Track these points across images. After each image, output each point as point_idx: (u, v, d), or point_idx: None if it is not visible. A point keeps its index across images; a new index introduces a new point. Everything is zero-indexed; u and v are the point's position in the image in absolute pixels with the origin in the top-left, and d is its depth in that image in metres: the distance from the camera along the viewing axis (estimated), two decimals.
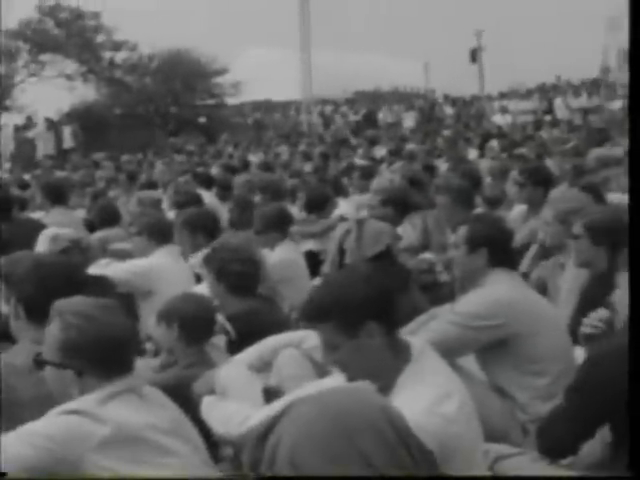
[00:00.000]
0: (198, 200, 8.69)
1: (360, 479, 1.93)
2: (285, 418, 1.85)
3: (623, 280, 3.50)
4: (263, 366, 4.11)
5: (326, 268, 6.00)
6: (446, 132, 23.80)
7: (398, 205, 7.40)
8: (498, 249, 4.34)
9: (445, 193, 7.18)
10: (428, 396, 3.00)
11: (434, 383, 3.08)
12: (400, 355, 3.16)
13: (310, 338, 3.95)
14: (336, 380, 3.37)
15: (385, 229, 5.21)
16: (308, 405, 1.86)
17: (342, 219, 7.78)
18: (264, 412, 3.25)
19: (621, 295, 3.55)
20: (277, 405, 3.22)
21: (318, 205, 8.54)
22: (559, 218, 5.21)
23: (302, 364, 4.05)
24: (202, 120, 34.21)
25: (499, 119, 28.00)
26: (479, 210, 7.76)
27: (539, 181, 7.38)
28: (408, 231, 7.00)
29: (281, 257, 6.41)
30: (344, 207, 8.97)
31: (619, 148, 12.98)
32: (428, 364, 3.16)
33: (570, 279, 5.25)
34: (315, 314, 3.15)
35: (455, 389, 3.15)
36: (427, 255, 6.39)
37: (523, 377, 4.19)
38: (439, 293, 5.60)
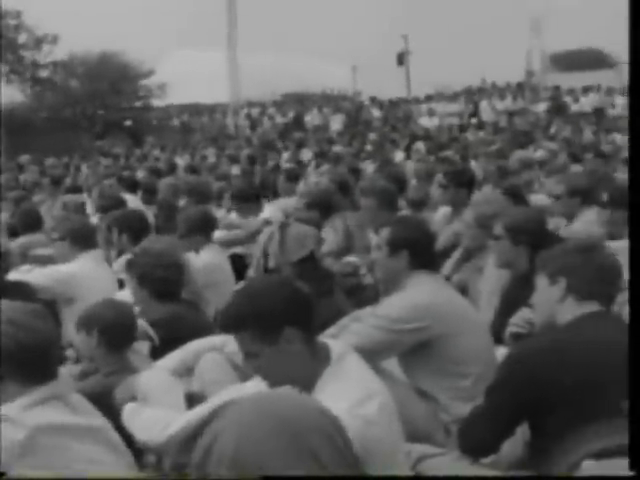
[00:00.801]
0: (122, 204, 8.63)
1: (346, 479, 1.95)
2: (220, 420, 1.82)
3: (541, 282, 3.55)
4: (185, 371, 4.08)
5: (251, 272, 5.99)
6: (373, 135, 23.92)
7: (323, 208, 7.41)
8: (420, 251, 4.34)
9: (369, 195, 7.20)
10: (348, 398, 3.00)
11: (354, 385, 3.09)
12: (319, 359, 3.15)
13: (232, 342, 3.94)
14: (258, 384, 3.36)
15: (309, 233, 5.20)
16: (247, 407, 1.84)
17: (267, 223, 7.76)
18: (186, 418, 3.23)
19: (537, 297, 3.60)
20: (201, 410, 3.20)
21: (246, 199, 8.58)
22: (479, 221, 5.26)
23: (224, 368, 4.03)
24: (128, 123, 33.90)
25: (426, 121, 28.25)
26: (404, 212, 7.81)
27: (462, 183, 7.46)
28: (330, 234, 7.01)
29: (206, 261, 6.37)
30: (270, 210, 8.94)
31: (541, 151, 13.22)
32: (348, 367, 3.17)
33: (491, 281, 5.32)
34: (232, 324, 3.14)
35: (376, 391, 3.16)
36: (351, 258, 6.40)
37: (445, 378, 4.21)
38: (363, 296, 5.61)
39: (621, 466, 2.63)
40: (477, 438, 3.44)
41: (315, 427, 1.76)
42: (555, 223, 7.05)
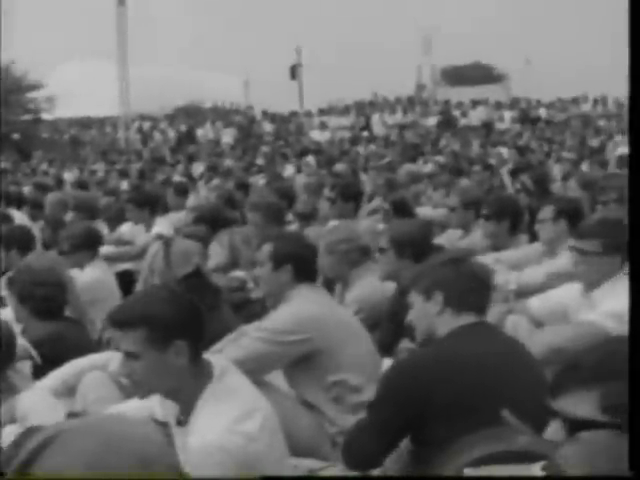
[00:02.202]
0: (8, 219, 8.44)
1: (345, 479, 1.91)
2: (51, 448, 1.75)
3: (416, 299, 3.60)
4: (67, 391, 4.01)
5: (139, 288, 5.93)
6: (265, 148, 23.96)
7: (210, 223, 7.39)
8: (303, 265, 4.38)
9: (256, 210, 7.21)
10: (229, 415, 3.00)
11: (235, 401, 3.08)
12: (202, 375, 3.14)
13: (116, 360, 3.88)
14: (140, 403, 3.32)
15: (193, 248, 5.19)
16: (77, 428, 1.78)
17: (159, 237, 7.69)
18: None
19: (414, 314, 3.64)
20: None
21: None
22: (328, 249, 5.30)
23: (107, 387, 3.98)
24: (16, 136, 33.16)
25: (317, 135, 28.40)
26: (293, 226, 7.83)
27: (349, 197, 7.53)
28: (216, 249, 6.99)
29: (91, 277, 6.27)
30: (160, 225, 8.85)
31: (429, 164, 13.45)
32: (229, 383, 3.16)
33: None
34: (124, 319, 3.10)
35: (258, 406, 3.15)
36: (238, 273, 6.40)
37: (330, 390, 4.23)
38: (251, 310, 5.61)
39: (502, 472, 2.68)
40: (361, 452, 3.44)
41: (137, 459, 1.71)
42: (450, 235, 7.18)
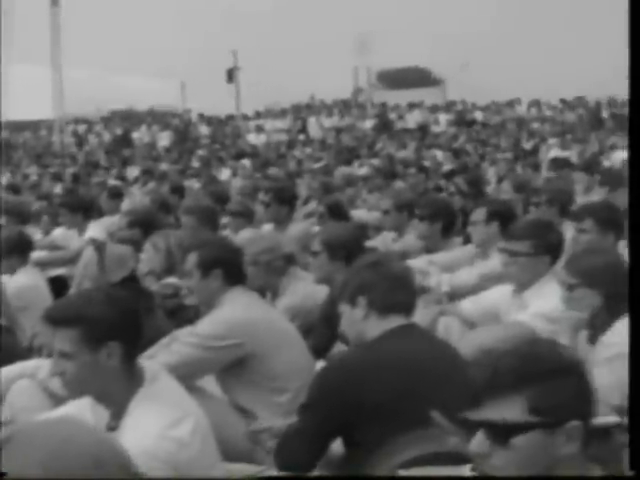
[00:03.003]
0: None
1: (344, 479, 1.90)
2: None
3: (343, 308, 3.61)
4: None
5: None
6: (201, 151, 23.85)
7: (144, 227, 7.33)
8: (231, 269, 4.39)
9: (190, 214, 7.18)
10: (160, 420, 2.98)
11: (166, 407, 3.06)
12: (134, 379, 3.12)
13: (45, 368, 3.83)
14: (71, 410, 3.28)
15: (127, 253, 5.15)
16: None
17: (92, 242, 7.60)
18: None
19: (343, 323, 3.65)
20: None
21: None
22: (251, 261, 5.30)
23: (36, 395, 3.93)
24: None
25: (254, 138, 28.36)
26: (228, 230, 7.80)
27: (284, 200, 7.53)
28: (150, 253, 6.94)
29: (22, 283, 6.16)
30: (94, 229, 8.76)
31: (364, 168, 13.51)
32: (160, 388, 3.14)
33: None
34: (61, 317, 3.06)
35: (189, 412, 3.14)
36: (171, 279, 6.34)
37: (263, 395, 4.24)
38: (184, 316, 5.56)
39: (433, 473, 2.70)
40: (293, 455, 3.44)
41: (92, 461, 1.73)
42: (385, 237, 7.21)
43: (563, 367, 2.17)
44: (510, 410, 2.13)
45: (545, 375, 2.14)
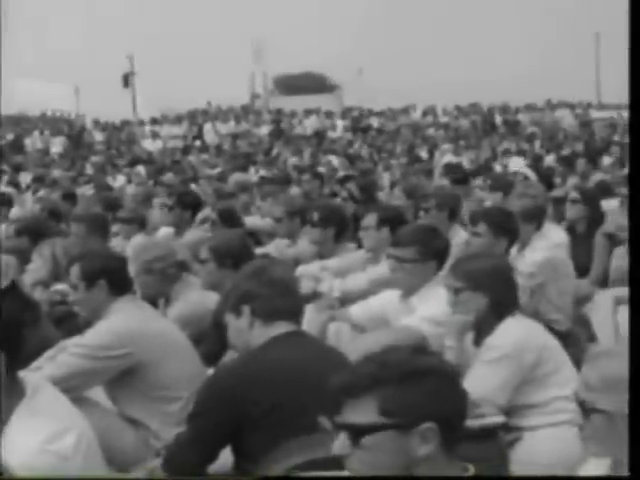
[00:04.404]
0: None
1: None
2: None
3: (228, 319, 3.61)
4: None
5: None
6: (95, 158, 23.49)
7: (32, 235, 7.19)
8: (116, 278, 4.36)
9: (80, 222, 7.09)
10: (41, 433, 2.92)
11: (48, 420, 3.00)
12: (15, 392, 3.05)
13: None
14: None
15: (10, 262, 5.05)
16: None
17: None
18: None
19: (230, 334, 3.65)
20: None
21: None
22: (145, 269, 5.27)
23: None
24: None
25: (149, 144, 28.07)
26: (119, 237, 7.71)
27: (188, 205, 7.53)
28: (37, 261, 6.81)
29: None
30: None
31: (258, 173, 13.51)
32: (42, 401, 3.07)
33: None
34: None
35: (72, 424, 3.08)
36: (60, 286, 6.23)
37: (153, 404, 4.21)
38: (73, 324, 5.47)
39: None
40: (181, 464, 3.43)
41: None
42: (278, 244, 7.22)
43: (417, 371, 2.24)
44: (363, 412, 2.22)
45: (396, 378, 2.22)
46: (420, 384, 2.21)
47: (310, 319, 4.68)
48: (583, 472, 2.64)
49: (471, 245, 5.53)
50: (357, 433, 2.22)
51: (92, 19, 48.38)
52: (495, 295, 4.07)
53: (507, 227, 5.65)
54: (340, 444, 2.25)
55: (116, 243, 7.48)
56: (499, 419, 3.96)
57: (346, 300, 5.32)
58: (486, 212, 5.96)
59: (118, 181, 16.75)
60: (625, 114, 31.30)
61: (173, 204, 7.54)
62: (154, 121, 32.65)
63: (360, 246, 6.27)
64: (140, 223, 7.90)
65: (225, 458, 3.41)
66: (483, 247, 5.40)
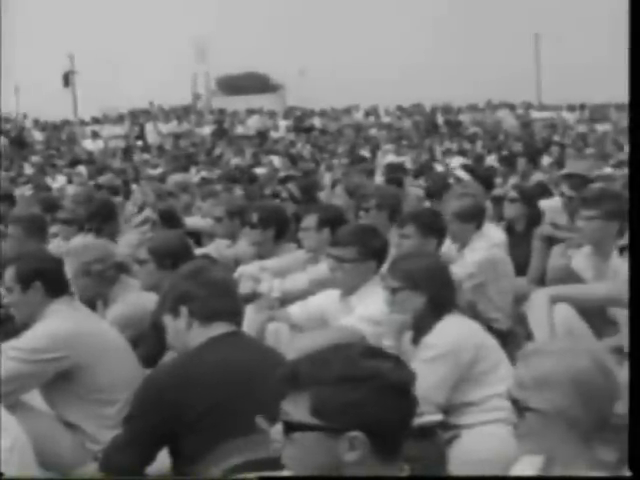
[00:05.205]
0: None
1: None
2: None
3: (166, 320, 3.59)
4: None
5: None
6: (34, 158, 23.20)
7: None
8: (52, 280, 4.30)
9: (17, 223, 7.00)
10: None
11: None
12: None
13: None
14: None
15: None
16: None
17: None
18: None
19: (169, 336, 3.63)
20: None
21: None
22: (83, 271, 5.22)
23: None
24: None
25: (90, 144, 27.81)
26: (58, 239, 7.64)
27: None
28: None
29: None
30: None
31: (199, 174, 13.45)
32: None
33: None
34: None
35: (6, 428, 3.05)
36: None
37: (90, 407, 4.17)
38: (10, 328, 5.40)
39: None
40: (118, 467, 3.40)
41: None
42: (218, 244, 7.19)
43: (356, 376, 2.21)
44: (297, 408, 2.22)
45: (334, 380, 2.20)
46: (357, 389, 2.18)
47: (249, 319, 4.67)
48: (517, 470, 2.67)
49: (401, 247, 5.53)
50: (288, 428, 2.23)
51: (32, 18, 47.78)
52: (432, 294, 4.10)
53: (435, 227, 5.70)
54: (277, 432, 2.26)
55: (55, 244, 7.41)
56: (437, 417, 3.99)
57: (286, 300, 5.32)
58: (414, 214, 5.97)
59: (58, 181, 16.56)
60: (564, 114, 31.86)
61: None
62: (95, 121, 32.36)
63: (300, 246, 6.27)
64: (79, 224, 7.82)
65: (161, 461, 3.40)
66: (412, 248, 5.41)
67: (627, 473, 2.41)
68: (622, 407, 2.46)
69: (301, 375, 2.23)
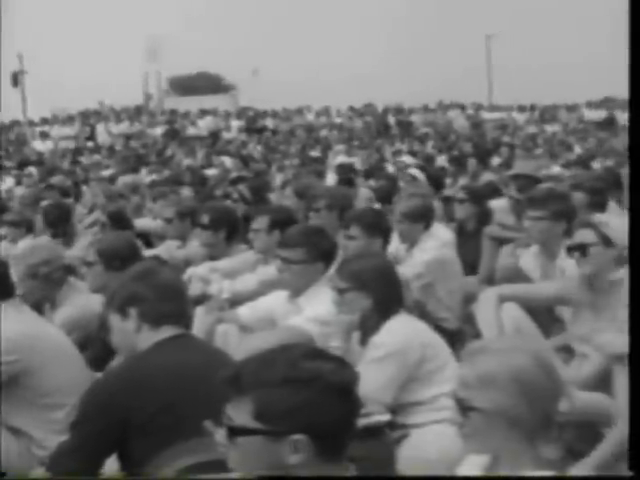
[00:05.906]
0: None
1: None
2: None
3: (113, 320, 3.56)
4: None
5: None
6: None
7: None
8: None
9: None
10: None
11: None
12: None
13: None
14: None
15: None
16: None
17: None
18: None
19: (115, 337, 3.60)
20: None
21: None
22: (30, 273, 5.18)
23: None
24: None
25: (39, 145, 27.52)
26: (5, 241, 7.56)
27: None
28: None
29: None
30: None
31: (151, 175, 13.36)
32: None
33: None
34: None
35: None
36: None
37: (37, 412, 4.12)
38: None
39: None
40: (66, 472, 3.35)
41: None
42: (169, 246, 7.15)
43: (300, 378, 2.20)
44: (240, 412, 2.22)
45: (278, 382, 2.20)
46: (299, 392, 2.17)
47: (199, 321, 4.66)
48: (463, 470, 2.68)
49: (347, 248, 5.53)
50: (232, 432, 2.22)
51: None
52: (379, 295, 4.12)
53: (380, 227, 5.71)
54: (222, 436, 2.25)
55: (2, 247, 7.33)
56: (385, 417, 4.01)
57: (236, 301, 5.31)
58: (358, 214, 5.97)
59: (6, 183, 16.36)
60: (515, 115, 32.16)
61: None
62: (44, 121, 32.02)
63: (251, 247, 6.25)
64: (27, 226, 7.75)
65: (109, 465, 3.37)
66: (358, 249, 5.42)
67: (627, 473, 2.42)
68: (565, 405, 2.48)
69: (243, 378, 2.22)
